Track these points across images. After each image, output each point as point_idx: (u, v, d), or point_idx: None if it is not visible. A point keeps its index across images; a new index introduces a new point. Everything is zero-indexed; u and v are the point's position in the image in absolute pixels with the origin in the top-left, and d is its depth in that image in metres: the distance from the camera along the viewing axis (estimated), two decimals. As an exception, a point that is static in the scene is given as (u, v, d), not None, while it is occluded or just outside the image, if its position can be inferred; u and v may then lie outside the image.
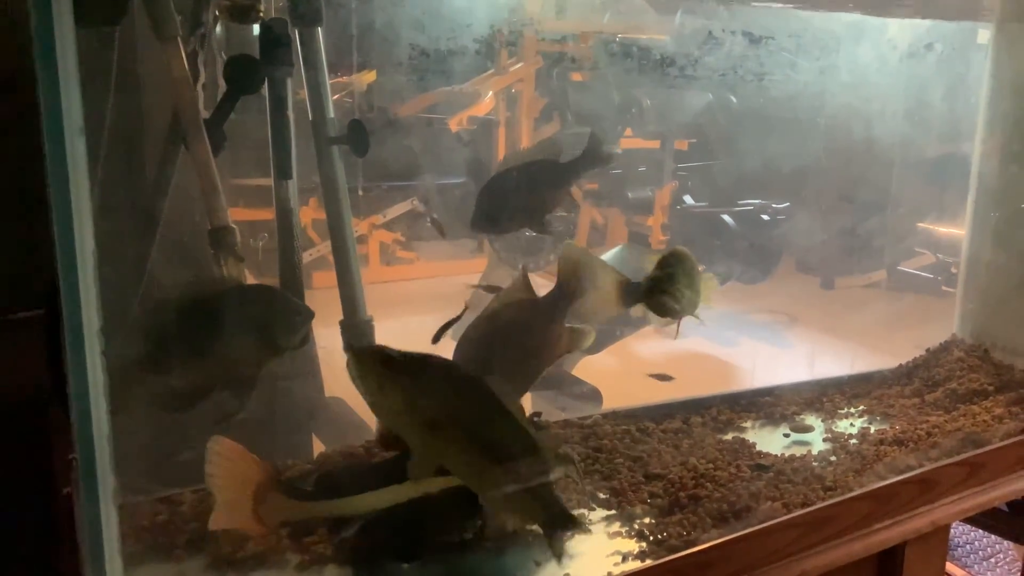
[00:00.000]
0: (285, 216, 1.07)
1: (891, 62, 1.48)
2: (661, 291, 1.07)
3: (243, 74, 1.03)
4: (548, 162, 1.15)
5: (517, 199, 1.12)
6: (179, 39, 0.98)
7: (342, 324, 1.20)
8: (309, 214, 2.49)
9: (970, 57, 1.57)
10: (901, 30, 1.47)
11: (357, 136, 1.03)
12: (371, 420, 1.48)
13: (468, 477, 0.87)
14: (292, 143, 1.06)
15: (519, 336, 1.03)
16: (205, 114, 1.05)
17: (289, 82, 1.04)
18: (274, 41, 1.01)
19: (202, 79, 1.04)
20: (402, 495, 0.88)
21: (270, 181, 1.13)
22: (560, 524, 0.91)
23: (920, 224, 2.65)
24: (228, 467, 0.88)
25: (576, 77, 3.60)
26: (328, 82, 1.07)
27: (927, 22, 1.49)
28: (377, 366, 0.80)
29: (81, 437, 0.65)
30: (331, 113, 1.07)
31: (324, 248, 2.12)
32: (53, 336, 1.31)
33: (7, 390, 1.36)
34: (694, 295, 1.12)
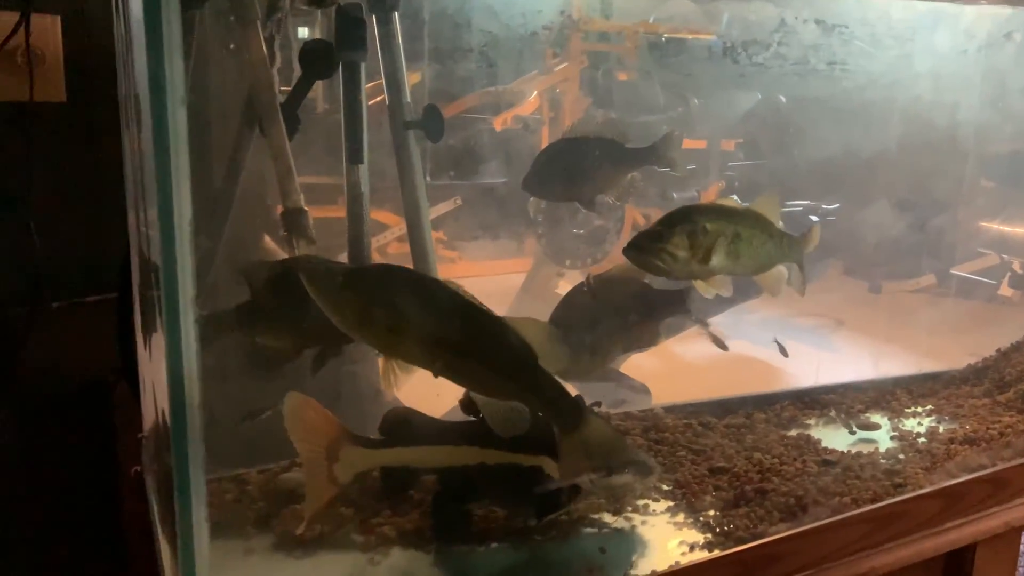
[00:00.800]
0: (356, 202, 1.08)
1: (968, 52, 1.44)
2: (642, 246, 0.98)
3: (318, 59, 1.04)
4: (613, 142, 1.14)
5: (574, 169, 1.11)
6: (257, 23, 1.00)
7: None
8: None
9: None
10: (979, 18, 1.43)
11: (433, 121, 1.03)
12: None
13: (457, 379, 0.87)
14: (364, 129, 1.07)
15: (630, 307, 1.03)
16: (280, 98, 1.06)
17: (363, 67, 1.05)
18: (349, 26, 1.02)
19: (278, 63, 1.05)
20: (472, 458, 0.90)
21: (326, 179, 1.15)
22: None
23: (988, 223, 2.57)
24: (304, 422, 0.91)
25: (622, 76, 3.58)
26: (404, 66, 1.08)
27: (1007, 10, 1.45)
28: (327, 281, 0.81)
29: (174, 407, 0.66)
30: (408, 98, 1.07)
31: (390, 235, 2.15)
32: (123, 318, 1.34)
33: (82, 371, 1.40)
34: (692, 260, 0.98)
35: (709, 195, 3.85)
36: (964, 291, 3.03)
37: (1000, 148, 1.77)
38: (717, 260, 0.99)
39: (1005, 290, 2.63)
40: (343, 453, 0.92)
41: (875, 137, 1.54)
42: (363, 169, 1.06)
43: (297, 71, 1.06)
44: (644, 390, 1.95)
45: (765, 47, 1.40)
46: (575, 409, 0.88)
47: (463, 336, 0.84)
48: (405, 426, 0.95)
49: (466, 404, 0.93)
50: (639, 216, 4.34)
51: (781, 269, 1.07)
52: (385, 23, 1.06)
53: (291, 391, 0.89)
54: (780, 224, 1.09)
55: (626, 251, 0.97)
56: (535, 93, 3.86)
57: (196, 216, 0.73)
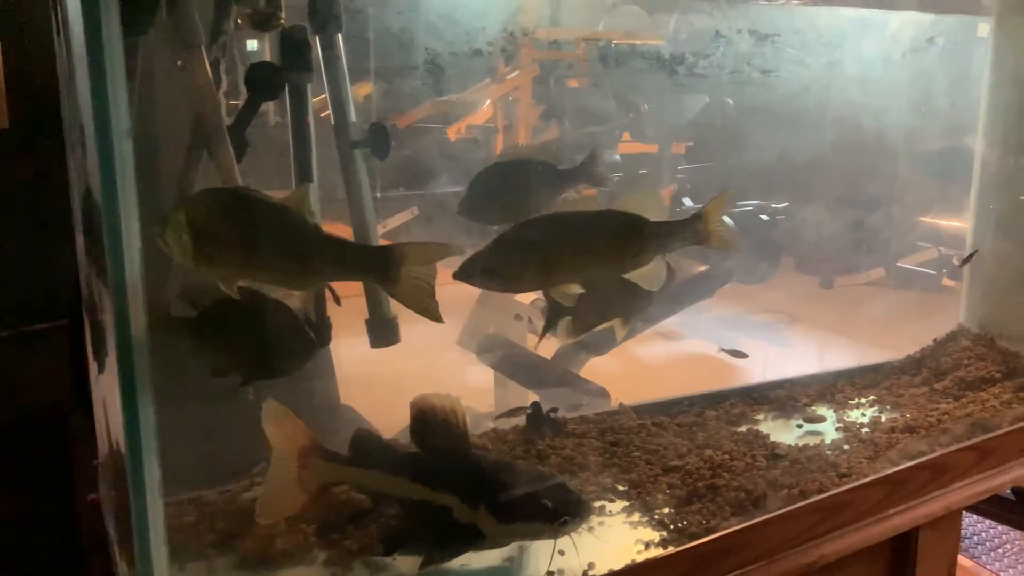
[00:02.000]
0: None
1: (894, 57, 1.51)
2: (469, 271, 0.94)
3: (264, 81, 1.05)
4: (545, 164, 1.16)
5: (507, 194, 1.13)
6: (202, 47, 1.01)
7: (368, 322, 1.22)
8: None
9: (971, 51, 1.60)
10: (904, 25, 1.50)
11: (379, 139, 1.05)
12: (380, 427, 1.50)
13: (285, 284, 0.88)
14: (313, 148, 1.08)
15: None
16: (227, 121, 1.07)
17: (309, 88, 1.06)
18: (295, 47, 1.03)
19: (224, 87, 1.06)
20: (403, 490, 0.93)
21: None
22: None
23: (924, 218, 2.67)
24: (281, 428, 0.93)
25: (573, 84, 3.63)
26: (348, 86, 1.09)
27: (929, 16, 1.52)
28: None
29: (128, 432, 0.67)
30: (353, 117, 1.09)
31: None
32: (75, 345, 1.33)
33: (31, 399, 1.38)
34: (528, 277, 0.96)
35: (664, 197, 3.91)
36: (911, 283, 3.13)
37: (931, 147, 1.84)
38: (559, 272, 0.95)
39: (947, 280, 2.72)
40: (312, 462, 0.95)
41: (813, 140, 1.60)
42: (313, 188, 1.07)
43: (244, 93, 1.07)
44: (602, 393, 1.98)
45: (705, 56, 1.44)
46: (382, 257, 0.87)
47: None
48: (367, 448, 0.97)
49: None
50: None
51: (656, 264, 1.01)
52: (329, 45, 1.08)
53: (270, 399, 0.92)
54: (662, 217, 1.03)
55: (456, 275, 0.97)
56: (488, 102, 3.89)
57: (145, 241, 0.74)
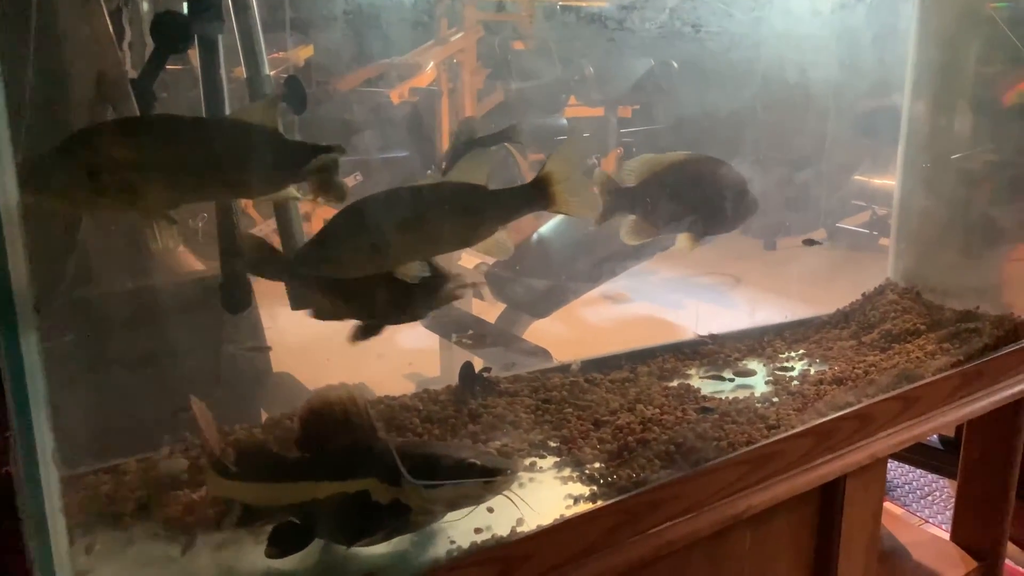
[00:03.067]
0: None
1: (823, 13, 1.51)
2: (307, 258, 0.90)
3: (171, 32, 1.00)
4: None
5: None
6: (100, -5, 0.95)
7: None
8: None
9: (898, 8, 1.61)
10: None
11: (294, 92, 1.01)
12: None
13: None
14: (225, 104, 1.03)
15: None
16: (133, 74, 1.02)
17: (220, 39, 1.01)
18: (202, -4, 0.98)
19: (128, 37, 1.01)
20: (307, 493, 0.87)
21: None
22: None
23: (856, 177, 2.71)
24: (199, 428, 0.90)
25: (518, 46, 3.58)
26: (261, 37, 1.04)
27: (857, -29, 1.52)
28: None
29: (19, 408, 0.63)
30: (267, 69, 1.05)
31: (266, 227, 2.06)
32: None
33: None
34: (362, 259, 0.90)
35: (609, 161, 3.92)
36: (851, 243, 3.20)
37: (864, 105, 1.86)
38: (394, 253, 0.90)
39: (884, 240, 2.77)
40: (208, 475, 0.92)
41: (742, 97, 1.60)
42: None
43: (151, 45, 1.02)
44: (541, 352, 1.99)
45: (643, 13, 1.42)
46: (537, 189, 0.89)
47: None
48: (253, 460, 0.92)
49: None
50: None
51: (501, 234, 0.94)
52: (239, -7, 1.03)
53: (194, 397, 0.88)
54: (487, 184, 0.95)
55: (293, 269, 0.92)
56: (432, 64, 3.81)
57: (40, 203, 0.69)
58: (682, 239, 1.28)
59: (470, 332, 1.72)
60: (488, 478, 0.87)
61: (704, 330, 1.52)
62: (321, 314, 0.97)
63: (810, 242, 1.37)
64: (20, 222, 0.63)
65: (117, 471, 1.03)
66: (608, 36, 1.36)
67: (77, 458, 0.94)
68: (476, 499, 0.89)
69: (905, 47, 1.61)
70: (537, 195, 0.93)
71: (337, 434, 0.87)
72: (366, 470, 0.86)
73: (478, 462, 0.88)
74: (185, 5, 1.01)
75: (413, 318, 0.96)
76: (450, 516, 0.91)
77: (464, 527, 0.95)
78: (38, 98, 0.95)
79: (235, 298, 1.10)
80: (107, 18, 0.95)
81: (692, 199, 1.27)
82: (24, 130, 0.92)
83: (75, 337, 1.04)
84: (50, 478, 0.68)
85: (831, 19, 1.54)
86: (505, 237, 0.94)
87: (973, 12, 1.54)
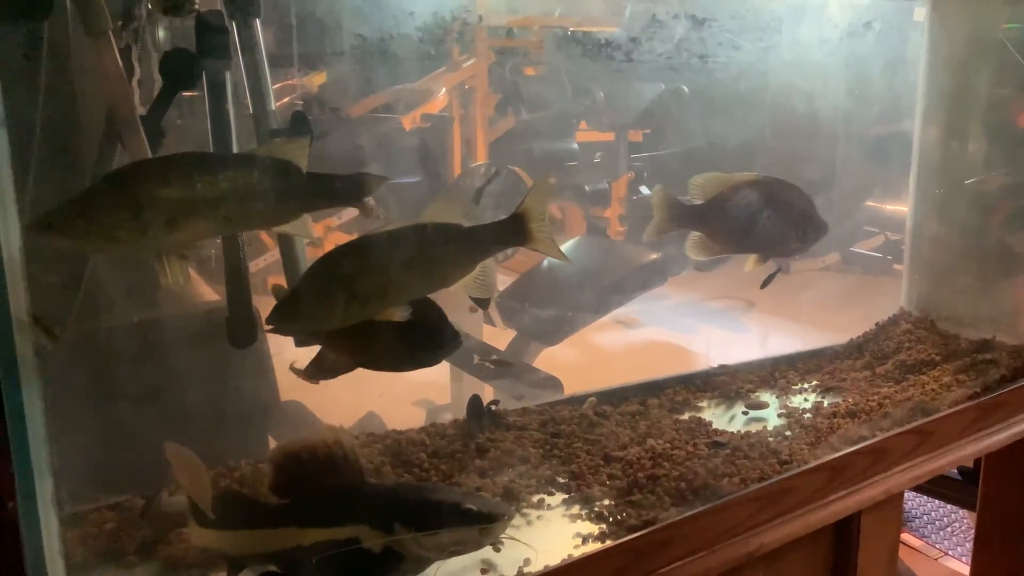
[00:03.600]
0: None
1: (832, 41, 1.51)
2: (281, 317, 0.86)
3: (179, 69, 1.01)
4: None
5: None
6: (110, 34, 0.96)
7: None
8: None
9: (907, 35, 1.61)
10: (841, 9, 1.50)
11: (299, 127, 1.01)
12: (329, 421, 1.46)
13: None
14: (233, 137, 1.04)
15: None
16: (142, 110, 1.02)
17: (228, 75, 1.02)
18: (210, 34, 0.99)
19: (137, 75, 1.01)
20: (291, 540, 0.85)
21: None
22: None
23: (868, 203, 2.69)
24: (180, 474, 0.87)
25: (529, 72, 3.60)
26: (268, 74, 1.05)
27: (865, 0, 1.52)
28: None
29: (16, 442, 0.63)
30: (272, 105, 1.05)
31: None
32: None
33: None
34: (337, 314, 0.85)
35: (620, 184, 3.93)
36: (865, 267, 3.17)
37: (876, 131, 1.85)
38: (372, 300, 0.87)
39: (898, 265, 2.75)
40: (190, 526, 0.90)
41: (753, 124, 1.60)
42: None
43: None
44: (552, 383, 1.97)
45: (654, 42, 1.42)
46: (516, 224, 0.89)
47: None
48: (233, 508, 0.89)
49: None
50: (556, 209, 4.39)
51: (483, 269, 0.92)
52: (246, 29, 1.04)
53: (168, 442, 0.85)
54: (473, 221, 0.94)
55: (268, 326, 0.88)
56: (443, 90, 3.84)
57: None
58: (750, 260, 1.30)
59: (494, 357, 1.72)
60: (485, 524, 0.84)
61: (717, 360, 1.51)
62: (320, 372, 0.96)
63: (769, 279, 1.38)
64: (22, 263, 0.63)
65: (121, 507, 1.02)
66: (615, 68, 1.36)
67: (81, 492, 0.94)
68: (472, 546, 0.86)
69: (915, 74, 1.60)
70: (514, 231, 0.92)
71: (320, 478, 0.84)
72: (356, 516, 0.83)
73: (474, 507, 0.84)
74: (194, 43, 1.02)
75: (420, 365, 0.94)
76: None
77: (470, 566, 0.94)
78: (48, 135, 0.96)
79: (241, 332, 1.10)
80: (117, 55, 0.96)
81: (760, 220, 1.28)
82: (33, 166, 0.92)
83: (79, 371, 1.04)
84: (50, 520, 0.68)
85: (840, 47, 1.53)
86: (488, 274, 0.93)
87: (983, 37, 1.54)
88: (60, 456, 0.69)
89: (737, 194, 1.26)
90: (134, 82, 1.02)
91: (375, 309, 0.86)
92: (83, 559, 0.89)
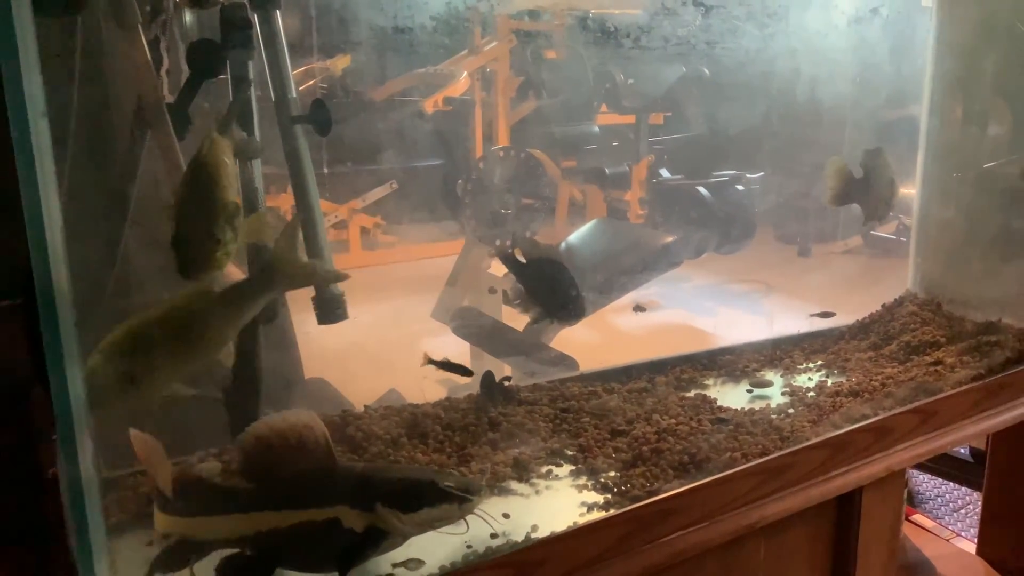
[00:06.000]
0: (251, 197, 1.10)
1: (840, 27, 1.52)
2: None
3: (204, 59, 1.06)
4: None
5: None
6: (139, 26, 1.01)
7: (314, 300, 1.24)
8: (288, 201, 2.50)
9: (915, 20, 1.61)
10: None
11: (320, 115, 1.06)
12: (352, 397, 1.52)
13: None
14: (256, 125, 1.09)
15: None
16: (170, 99, 1.08)
17: (251, 64, 1.07)
18: (234, 26, 1.04)
19: (166, 65, 1.07)
20: (265, 523, 0.85)
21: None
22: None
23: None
24: (145, 462, 0.87)
25: (550, 55, 3.61)
26: (289, 63, 1.10)
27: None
28: None
29: (59, 408, 0.69)
30: (293, 93, 1.10)
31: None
32: (34, 322, 1.35)
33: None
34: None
35: (641, 167, 3.93)
36: (886, 251, 3.16)
37: (883, 116, 1.86)
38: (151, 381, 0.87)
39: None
40: (155, 512, 0.90)
41: (763, 110, 1.62)
42: (256, 164, 1.09)
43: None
44: (566, 362, 2.02)
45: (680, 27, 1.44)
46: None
47: None
48: (196, 493, 0.89)
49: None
50: (577, 192, 4.41)
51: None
52: (267, 21, 1.08)
53: (132, 429, 0.84)
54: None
55: None
56: (465, 74, 3.86)
57: (84, 220, 0.75)
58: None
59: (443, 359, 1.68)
60: (465, 499, 0.87)
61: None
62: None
63: (639, 309, 1.44)
64: (64, 240, 0.68)
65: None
66: (625, 55, 1.39)
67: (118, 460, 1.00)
68: (450, 520, 0.88)
69: (922, 59, 1.61)
70: (264, 283, 0.95)
71: (291, 462, 0.84)
72: (334, 497, 0.84)
73: (451, 484, 0.87)
74: (219, 34, 1.07)
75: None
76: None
77: (480, 533, 0.98)
78: (82, 122, 1.01)
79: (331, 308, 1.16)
80: (146, 47, 1.02)
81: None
82: (69, 153, 0.98)
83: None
84: (91, 481, 0.73)
85: (847, 33, 1.54)
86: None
87: (991, 23, 1.54)
88: (98, 424, 0.75)
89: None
90: (162, 72, 1.07)
91: (156, 388, 0.88)
92: (119, 520, 0.95)
